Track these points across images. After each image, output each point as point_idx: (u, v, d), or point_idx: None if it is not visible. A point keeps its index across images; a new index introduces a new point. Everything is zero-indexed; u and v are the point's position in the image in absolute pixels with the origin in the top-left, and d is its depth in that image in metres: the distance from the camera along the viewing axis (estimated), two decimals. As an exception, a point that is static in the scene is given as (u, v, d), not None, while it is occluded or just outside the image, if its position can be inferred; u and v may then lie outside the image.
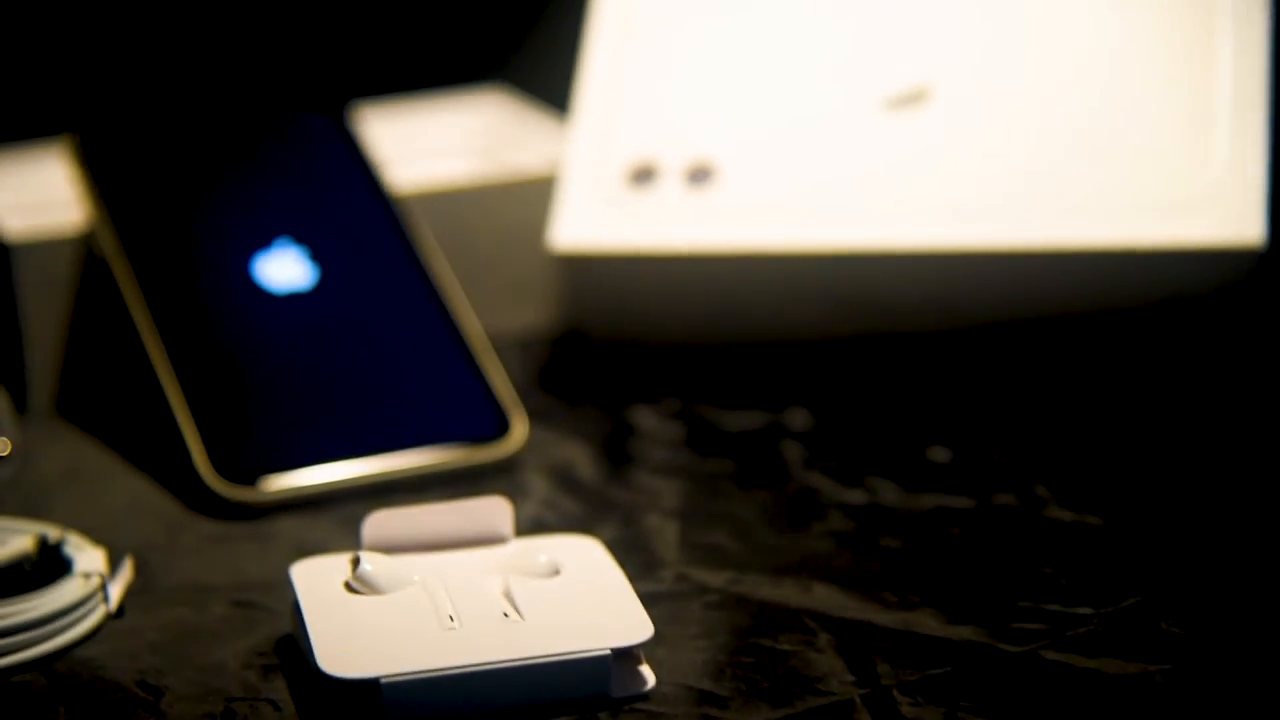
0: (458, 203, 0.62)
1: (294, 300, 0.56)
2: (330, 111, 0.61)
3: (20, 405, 0.58)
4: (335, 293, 0.56)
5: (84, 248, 0.58)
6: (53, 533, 0.47)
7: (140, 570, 0.48)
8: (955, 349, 0.58)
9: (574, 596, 0.44)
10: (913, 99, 0.58)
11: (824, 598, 0.46)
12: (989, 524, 0.50)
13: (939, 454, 0.54)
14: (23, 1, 0.73)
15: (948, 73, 0.58)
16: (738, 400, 0.58)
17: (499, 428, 0.54)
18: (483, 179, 0.64)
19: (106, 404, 0.58)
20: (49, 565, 0.47)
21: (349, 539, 0.50)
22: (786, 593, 0.46)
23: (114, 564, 0.47)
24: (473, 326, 0.57)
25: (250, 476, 0.51)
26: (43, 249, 0.58)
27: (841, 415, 0.56)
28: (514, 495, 0.52)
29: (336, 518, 0.51)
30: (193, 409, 0.53)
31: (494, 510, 0.46)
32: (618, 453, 0.55)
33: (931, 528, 0.50)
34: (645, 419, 0.57)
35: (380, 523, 0.45)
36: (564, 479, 0.53)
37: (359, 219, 0.59)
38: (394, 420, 0.53)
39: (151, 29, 0.75)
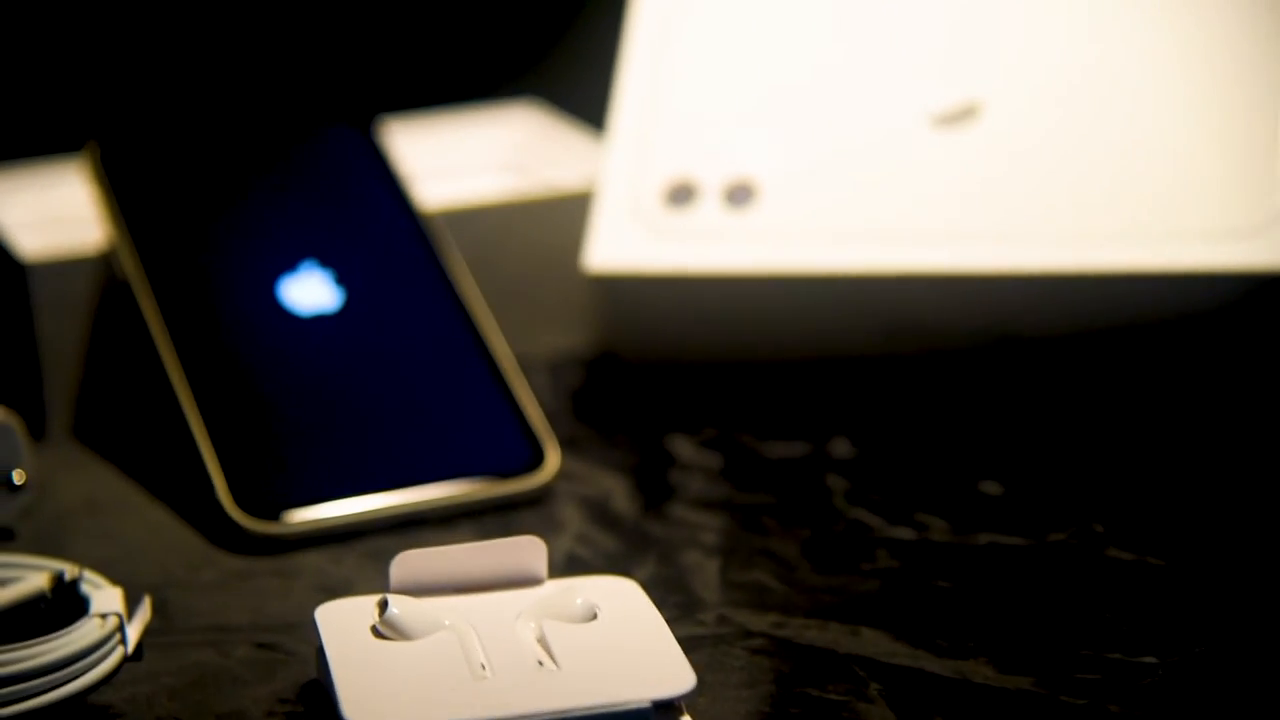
0: (488, 220, 0.60)
1: (320, 324, 0.54)
2: (358, 124, 0.59)
3: (38, 431, 0.56)
4: (363, 316, 0.55)
5: (103, 267, 0.56)
6: (69, 570, 0.45)
7: (159, 609, 0.46)
8: (1002, 373, 0.56)
9: (612, 643, 0.42)
10: (961, 116, 0.56)
11: (873, 643, 0.44)
12: (1045, 564, 0.48)
13: (990, 487, 0.51)
14: (42, 8, 0.71)
15: (997, 88, 0.56)
16: (778, 428, 0.55)
17: (531, 458, 0.52)
18: (514, 196, 0.62)
19: (126, 431, 0.56)
20: (65, 604, 0.45)
21: (376, 575, 0.48)
22: (834, 637, 0.44)
23: (132, 603, 0.45)
24: (503, 351, 0.55)
25: (274, 509, 0.49)
26: (60, 269, 0.56)
27: (886, 444, 0.54)
28: (547, 529, 0.50)
29: (363, 552, 0.49)
30: (214, 438, 0.51)
31: (527, 550, 0.44)
32: (654, 484, 0.53)
33: (984, 568, 0.47)
34: (682, 448, 0.55)
35: (408, 563, 0.43)
36: (599, 512, 0.51)
37: (387, 238, 0.57)
38: (422, 451, 0.51)
39: (175, 39, 0.74)
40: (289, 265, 0.55)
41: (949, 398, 0.56)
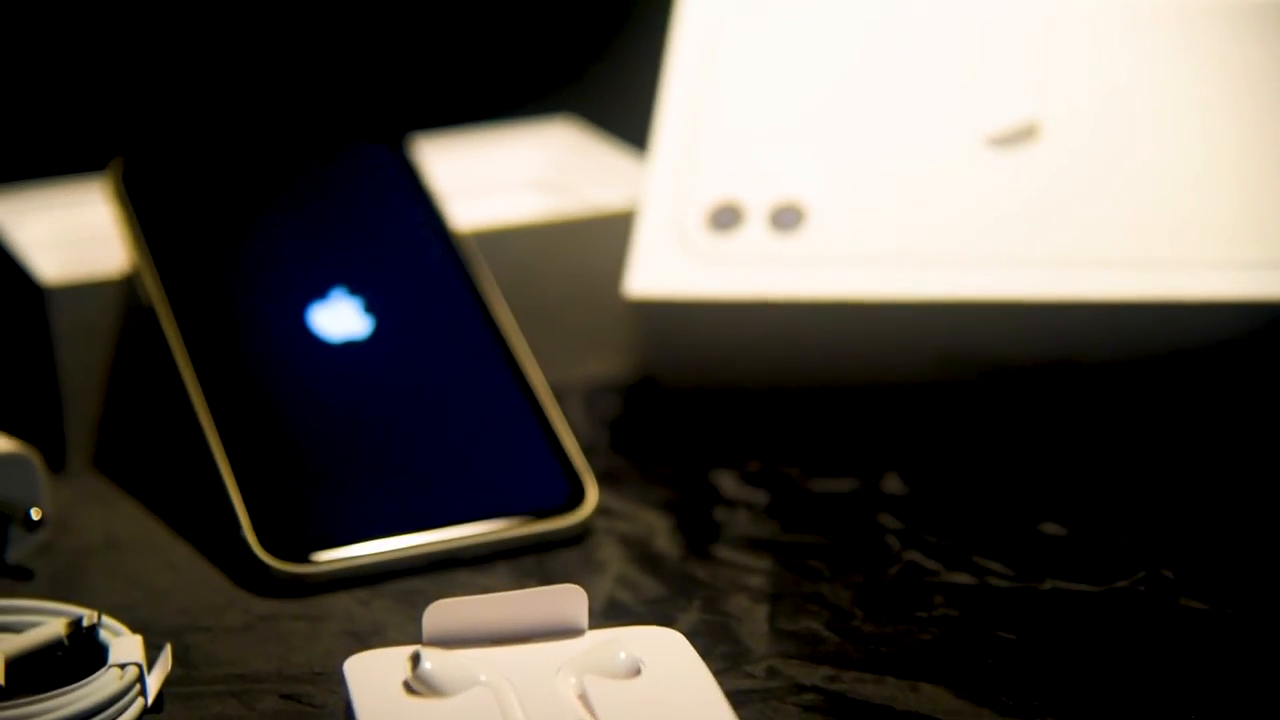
0: (523, 241, 0.58)
1: (350, 353, 0.52)
2: (389, 140, 0.57)
3: (57, 463, 0.54)
4: (394, 345, 0.52)
5: (125, 292, 0.54)
6: (87, 616, 0.43)
7: (181, 655, 0.44)
8: (1060, 403, 0.53)
9: (657, 700, 0.39)
10: (1019, 137, 0.53)
11: (933, 699, 0.41)
12: (1113, 613, 0.45)
13: (1051, 528, 0.49)
14: (66, 22, 0.69)
15: (1054, 109, 0.54)
16: (825, 461, 0.53)
17: (569, 495, 0.49)
18: (550, 216, 0.59)
19: (148, 463, 0.54)
20: (83, 652, 0.43)
21: (407, 619, 0.46)
22: (891, 692, 0.42)
23: (152, 649, 0.43)
24: (539, 381, 0.52)
25: (301, 549, 0.47)
26: (81, 293, 0.54)
27: (940, 479, 0.52)
28: (586, 570, 0.48)
29: (394, 594, 0.47)
30: (239, 473, 0.49)
31: (567, 599, 0.42)
32: (697, 522, 0.50)
33: (1049, 617, 0.45)
34: (726, 482, 0.52)
35: (442, 613, 0.41)
36: (640, 552, 0.49)
37: (419, 261, 0.55)
38: (455, 487, 0.49)
39: (201, 53, 0.71)
40: (317, 291, 0.53)
41: (1004, 429, 0.54)
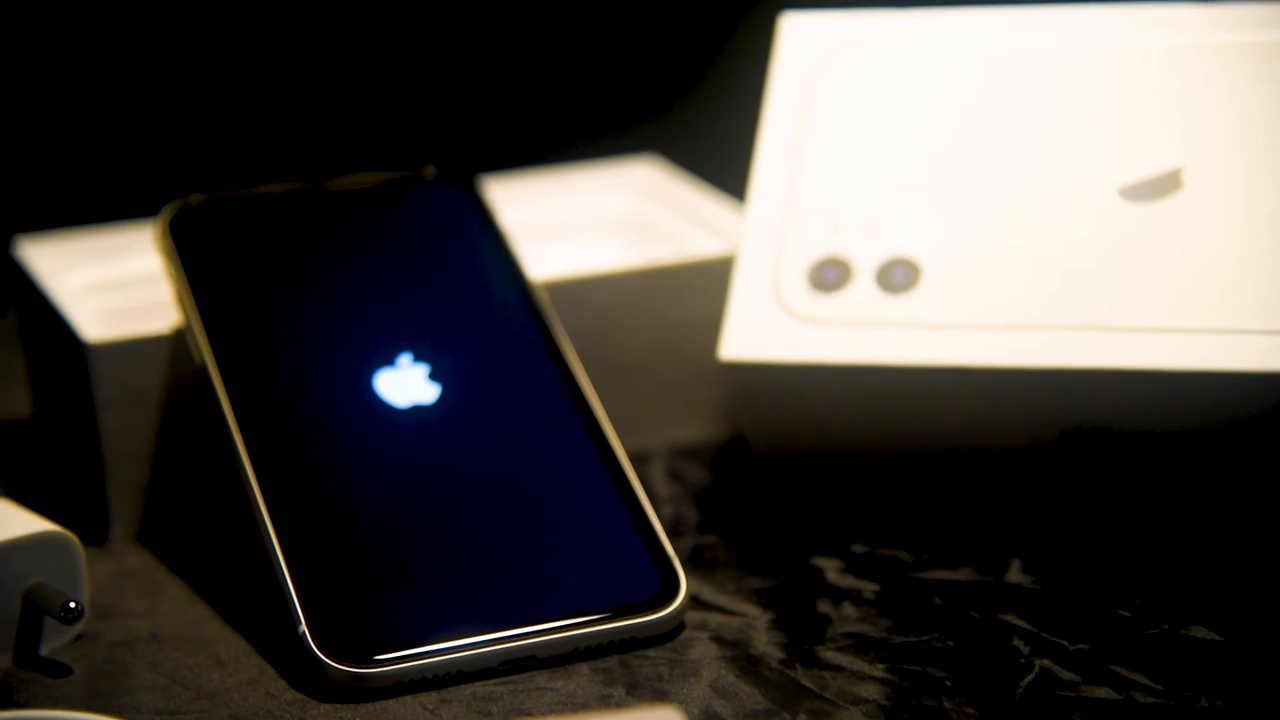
0: (603, 292, 0.53)
1: (415, 424, 0.47)
2: (458, 181, 0.53)
3: (98, 536, 0.50)
4: (464, 415, 0.48)
5: (174, 350, 0.50)
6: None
7: (230, 771, 0.40)
8: (1204, 482, 0.48)
9: None
10: (1159, 189, 0.48)
11: (1079, 845, 0.37)
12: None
13: (1201, 631, 0.44)
14: (111, 59, 0.65)
15: (1194, 159, 0.48)
16: (938, 543, 0.48)
17: (658, 588, 0.45)
18: (632, 264, 0.55)
19: (195, 540, 0.50)
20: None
21: (480, 730, 0.41)
22: (1029, 835, 0.37)
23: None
24: (622, 455, 0.47)
25: (363, 649, 0.43)
26: (126, 350, 0.49)
27: (1070, 570, 0.47)
28: (678, 675, 0.43)
29: (465, 700, 0.42)
30: (294, 562, 0.44)
31: (663, 725, 0.37)
32: (799, 616, 0.45)
33: (1205, 743, 0.40)
34: (829, 569, 0.48)
35: (523, 740, 0.37)
36: (737, 653, 0.44)
37: (491, 319, 0.50)
38: (532, 580, 0.44)
39: (258, 91, 0.67)
40: (381, 353, 0.49)
41: (1141, 511, 0.49)
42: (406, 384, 0.48)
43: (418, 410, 0.48)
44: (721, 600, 0.46)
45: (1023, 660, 0.43)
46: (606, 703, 0.42)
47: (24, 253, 0.56)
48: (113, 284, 0.55)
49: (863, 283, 0.49)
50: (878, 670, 0.43)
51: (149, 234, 0.54)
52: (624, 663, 0.44)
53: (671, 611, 0.44)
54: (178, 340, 0.50)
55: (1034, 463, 0.49)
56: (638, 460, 0.53)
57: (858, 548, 0.49)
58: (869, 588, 0.47)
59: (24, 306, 0.56)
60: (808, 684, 0.43)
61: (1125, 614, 0.44)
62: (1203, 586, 0.45)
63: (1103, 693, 0.41)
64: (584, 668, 0.43)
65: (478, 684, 0.43)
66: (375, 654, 0.42)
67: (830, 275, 0.50)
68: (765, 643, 0.44)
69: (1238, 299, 0.47)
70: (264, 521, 0.45)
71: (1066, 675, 0.42)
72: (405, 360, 0.49)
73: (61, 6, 0.65)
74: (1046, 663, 0.43)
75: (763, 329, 0.49)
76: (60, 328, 0.51)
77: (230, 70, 0.67)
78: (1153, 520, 0.48)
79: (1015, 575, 0.47)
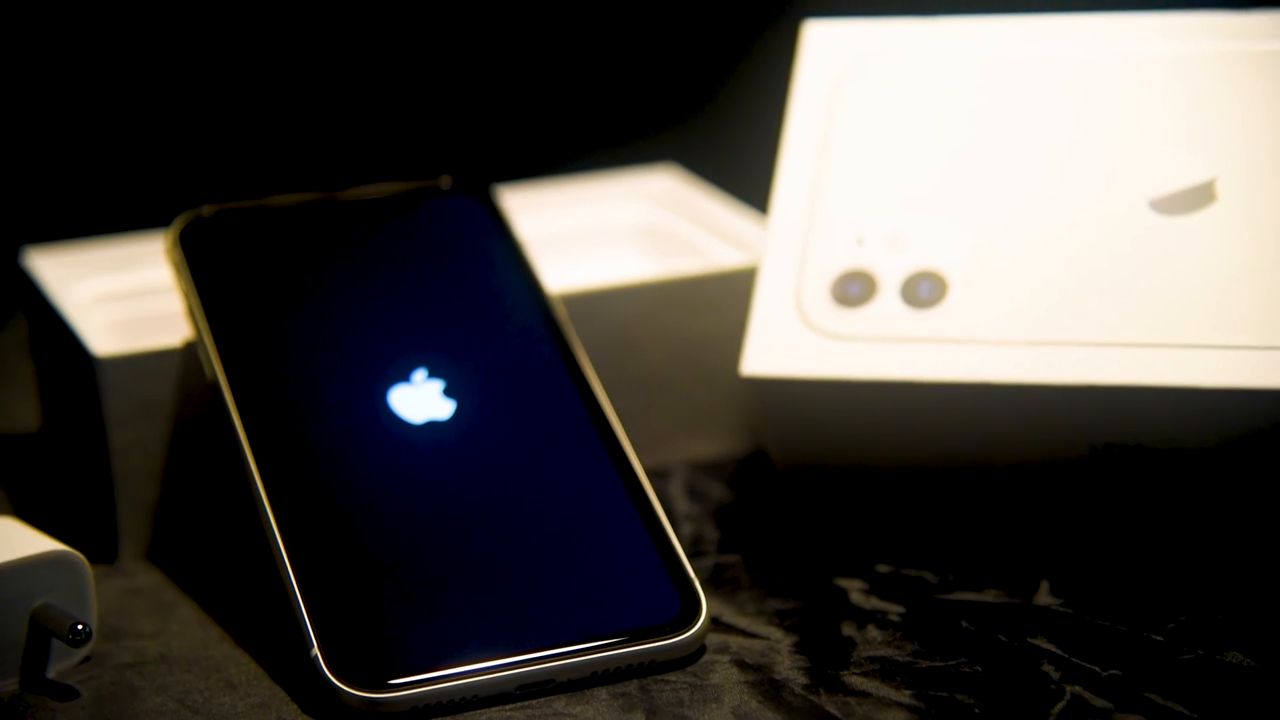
0: (621, 303, 0.53)
1: (430, 441, 0.46)
2: (473, 191, 0.52)
3: (107, 553, 0.49)
4: (480, 433, 0.47)
5: (184, 364, 0.49)
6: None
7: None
8: (1240, 503, 0.47)
9: None
10: (1193, 202, 0.47)
11: None
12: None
13: (1236, 656, 0.43)
14: (122, 68, 0.64)
15: (1227, 171, 0.47)
16: (964, 562, 0.47)
17: (678, 611, 0.44)
18: (651, 275, 0.54)
19: (206, 558, 0.49)
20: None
21: (496, 757, 0.40)
22: None
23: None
24: (641, 473, 0.46)
25: (376, 674, 0.42)
26: (136, 364, 0.48)
27: (1101, 593, 0.45)
28: (699, 700, 0.42)
29: (481, 726, 0.42)
30: (306, 584, 0.43)
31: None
32: (823, 639, 0.44)
33: (1242, 775, 0.39)
34: (853, 590, 0.47)
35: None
36: (759, 678, 0.43)
37: (507, 330, 0.49)
38: (550, 602, 0.43)
39: (270, 99, 0.66)
40: (395, 367, 0.48)
41: (1174, 532, 0.48)
42: (421, 399, 0.48)
43: (432, 426, 0.47)
44: (743, 622, 0.45)
45: (1053, 686, 0.42)
46: (626, 729, 0.41)
47: (32, 263, 0.55)
48: (122, 296, 0.54)
49: (887, 297, 0.48)
50: (904, 696, 0.42)
51: (159, 245, 0.53)
52: (643, 687, 0.43)
53: (692, 635, 0.43)
54: (188, 354, 0.49)
55: (1063, 481, 0.48)
56: (657, 476, 0.52)
57: (882, 568, 0.48)
58: (894, 610, 0.46)
59: (33, 318, 0.55)
60: (832, 710, 0.42)
61: (1158, 638, 0.43)
62: (1238, 610, 0.44)
63: (1137, 721, 0.41)
64: (602, 692, 0.42)
65: (494, 709, 0.42)
66: (389, 678, 0.41)
67: (854, 289, 0.49)
68: (788, 667, 0.43)
69: (1275, 313, 0.46)
70: (276, 540, 0.44)
71: (1099, 702, 0.41)
72: (420, 375, 0.48)
73: (71, 16, 0.64)
74: (1078, 689, 0.42)
75: (785, 344, 0.48)
76: (69, 341, 0.50)
77: (243, 79, 0.66)
78: (1185, 541, 0.47)
79: (1044, 597, 0.46)
